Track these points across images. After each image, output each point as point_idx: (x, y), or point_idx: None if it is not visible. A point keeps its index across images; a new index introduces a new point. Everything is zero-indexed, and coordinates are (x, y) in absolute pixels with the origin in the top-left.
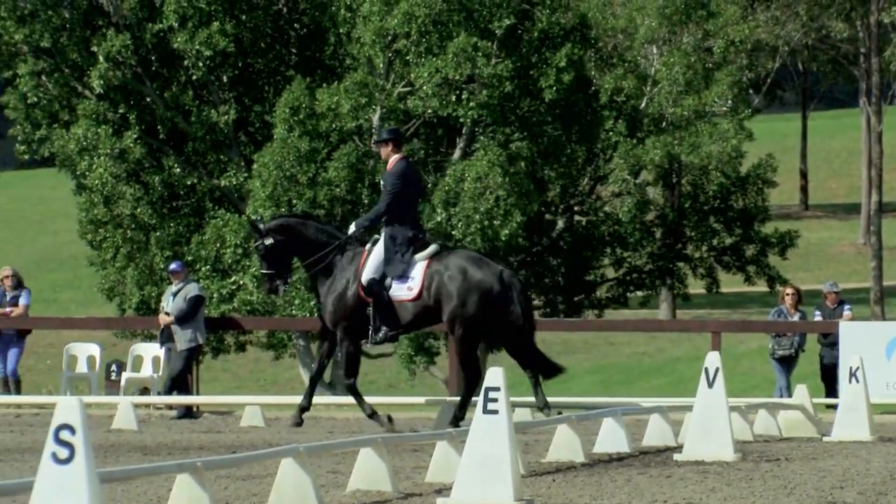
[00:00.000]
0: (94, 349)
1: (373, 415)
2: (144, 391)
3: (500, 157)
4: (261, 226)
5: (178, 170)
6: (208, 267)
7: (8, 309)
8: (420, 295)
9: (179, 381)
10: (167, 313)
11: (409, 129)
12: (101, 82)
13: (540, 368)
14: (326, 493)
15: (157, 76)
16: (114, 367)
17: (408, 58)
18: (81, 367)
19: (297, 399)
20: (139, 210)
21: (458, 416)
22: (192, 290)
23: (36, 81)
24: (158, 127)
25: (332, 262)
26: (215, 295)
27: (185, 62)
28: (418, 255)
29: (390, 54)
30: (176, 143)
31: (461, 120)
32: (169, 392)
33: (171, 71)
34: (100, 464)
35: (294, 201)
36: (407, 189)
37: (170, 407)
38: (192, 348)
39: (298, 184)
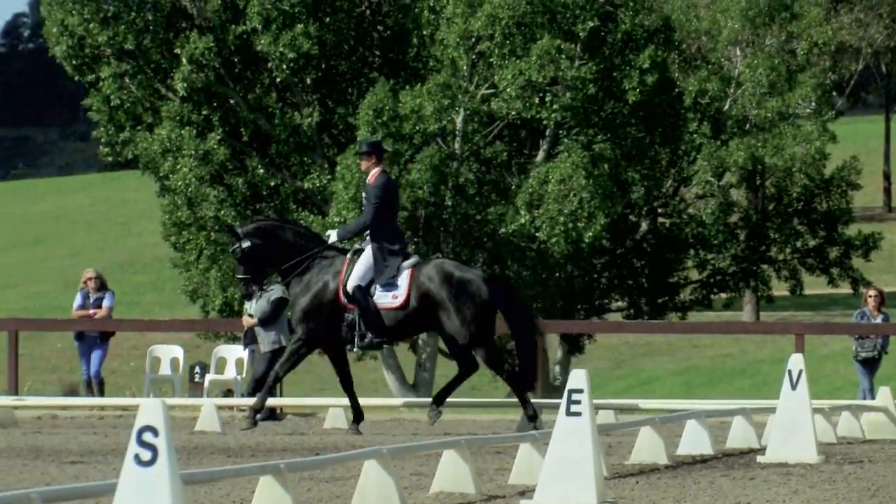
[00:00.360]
0: (177, 351)
1: (257, 412)
2: (228, 393)
3: (584, 159)
4: (238, 230)
5: (262, 172)
6: None
7: (92, 311)
8: (406, 303)
9: (263, 383)
10: (250, 315)
11: (493, 131)
12: (185, 84)
13: (520, 373)
14: (409, 495)
15: (241, 78)
16: (197, 369)
17: (491, 60)
18: (165, 369)
19: (383, 401)
20: (223, 212)
21: (532, 416)
22: (275, 292)
23: (119, 84)
24: (242, 129)
25: (307, 267)
26: None
27: (269, 64)
28: (403, 265)
29: (474, 56)
30: (259, 144)
31: (545, 122)
32: (252, 394)
33: (254, 73)
34: (183, 466)
35: None
36: (388, 202)
37: None
38: (275, 350)
39: None
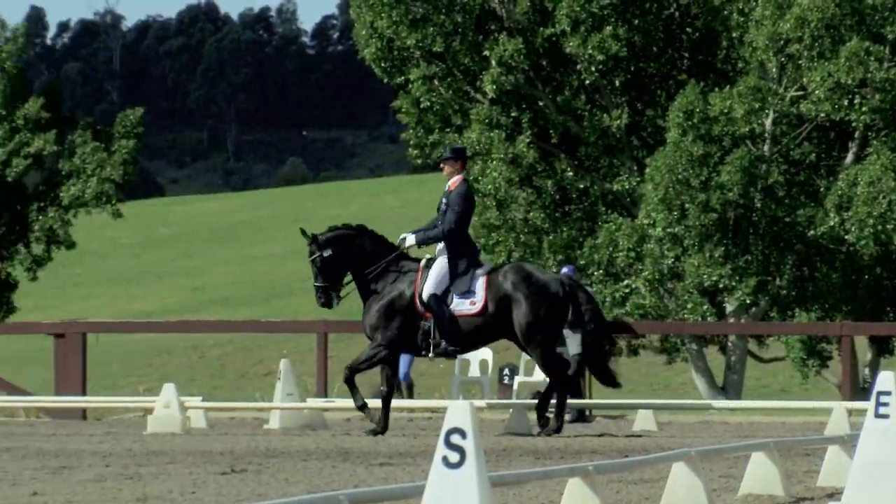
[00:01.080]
0: (486, 353)
1: (363, 408)
2: (537, 395)
3: (893, 161)
4: (320, 238)
5: (571, 174)
6: (601, 271)
7: None
8: (484, 309)
9: (572, 386)
10: None
11: (801, 133)
12: (494, 87)
13: (598, 376)
14: (718, 497)
15: (549, 80)
16: (506, 371)
17: (800, 62)
18: (474, 372)
19: (690, 402)
20: (532, 214)
21: (557, 428)
22: None
23: (428, 86)
24: (551, 131)
25: (382, 275)
26: (608, 299)
27: (578, 66)
28: (477, 272)
29: (782, 58)
30: (568, 147)
31: (853, 124)
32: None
33: (563, 75)
34: (491, 468)
35: (686, 205)
36: (469, 210)
37: None
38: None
39: (690, 188)
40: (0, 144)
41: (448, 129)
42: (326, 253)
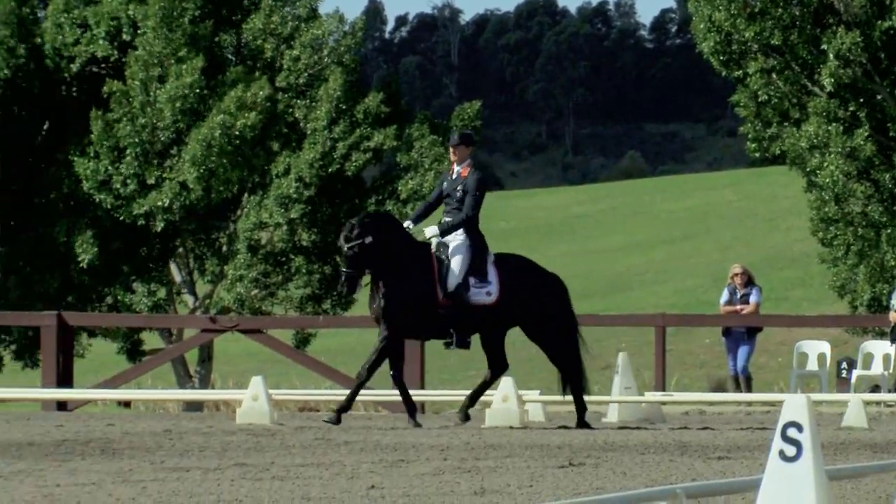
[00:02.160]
0: (824, 347)
1: (344, 411)
2: (875, 389)
3: None
4: (364, 223)
5: None
6: None
7: (738, 306)
8: (499, 300)
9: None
10: None
11: None
12: (832, 80)
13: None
14: None
15: (887, 74)
16: (844, 365)
17: None
18: (811, 365)
19: None
20: (869, 208)
21: (581, 418)
22: None
23: (766, 79)
24: (888, 125)
25: (400, 264)
26: None
27: None
28: (488, 258)
29: None
30: None
31: None
32: None
33: None
34: (828, 461)
35: None
36: (484, 196)
37: None
38: None
39: None
40: (340, 139)
41: (786, 123)
42: (368, 240)
